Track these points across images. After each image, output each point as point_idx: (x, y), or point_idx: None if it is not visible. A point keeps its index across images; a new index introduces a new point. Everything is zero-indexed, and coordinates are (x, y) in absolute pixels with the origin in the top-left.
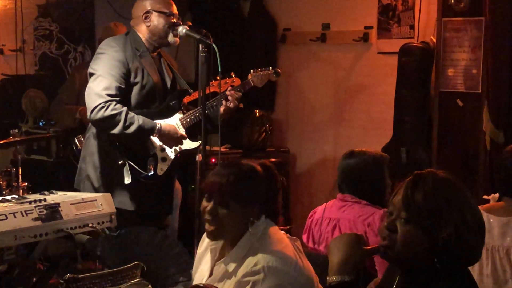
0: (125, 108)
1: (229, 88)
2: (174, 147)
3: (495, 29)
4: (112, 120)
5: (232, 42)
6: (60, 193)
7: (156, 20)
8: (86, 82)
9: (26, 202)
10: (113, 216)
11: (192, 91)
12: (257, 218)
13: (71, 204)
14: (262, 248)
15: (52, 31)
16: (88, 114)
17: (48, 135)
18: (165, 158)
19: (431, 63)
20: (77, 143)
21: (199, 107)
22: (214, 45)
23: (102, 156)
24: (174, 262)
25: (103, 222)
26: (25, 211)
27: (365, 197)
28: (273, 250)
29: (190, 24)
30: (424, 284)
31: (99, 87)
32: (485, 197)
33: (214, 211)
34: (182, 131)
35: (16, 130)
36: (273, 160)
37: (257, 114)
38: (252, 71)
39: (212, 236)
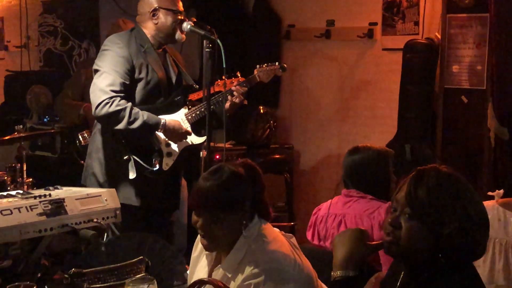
0: (129, 104)
1: (235, 83)
2: (179, 142)
3: (500, 26)
4: (116, 116)
5: (236, 39)
6: (65, 188)
7: (164, 17)
8: (91, 78)
9: (31, 197)
10: (117, 212)
11: (197, 86)
12: (250, 219)
13: (76, 199)
14: (259, 249)
15: (57, 27)
16: (93, 110)
17: (52, 131)
18: (170, 153)
19: (435, 60)
20: (81, 139)
21: (204, 102)
22: (218, 41)
23: (108, 151)
24: (168, 266)
25: (107, 217)
26: (30, 206)
27: (370, 192)
28: (271, 250)
29: (195, 20)
30: (429, 280)
31: (104, 83)
32: (490, 193)
33: (205, 226)
34: (187, 126)
35: (21, 126)
36: (277, 156)
37: (262, 111)
38: (258, 66)
39: (209, 249)
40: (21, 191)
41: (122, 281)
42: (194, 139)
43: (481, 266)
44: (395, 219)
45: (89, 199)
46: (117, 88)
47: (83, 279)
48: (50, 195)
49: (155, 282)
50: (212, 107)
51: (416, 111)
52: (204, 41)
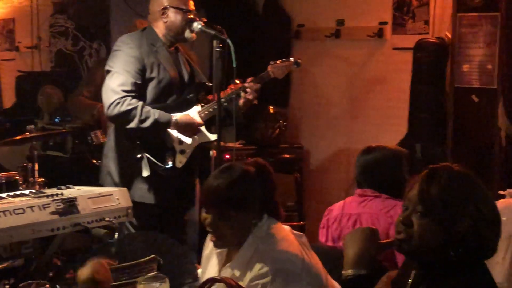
0: (140, 103)
1: (248, 80)
2: (193, 138)
3: (510, 25)
4: (128, 115)
5: (246, 39)
6: (77, 187)
7: (173, 16)
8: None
9: (44, 196)
10: (129, 211)
11: (210, 84)
12: (259, 218)
13: (88, 198)
14: (268, 249)
15: (68, 28)
16: (105, 110)
17: (64, 131)
18: (183, 151)
19: (446, 59)
20: (93, 138)
21: (216, 100)
22: (229, 40)
23: (121, 150)
24: (179, 264)
25: (119, 216)
26: (42, 205)
27: (384, 191)
28: (278, 250)
29: (205, 20)
30: (441, 278)
31: (115, 84)
32: (501, 192)
33: (214, 224)
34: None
35: (32, 126)
36: (287, 156)
37: (271, 111)
38: (272, 62)
39: (218, 246)
40: (33, 190)
41: (134, 279)
42: (208, 137)
43: (500, 263)
44: (407, 217)
45: (101, 198)
46: (128, 88)
47: None
48: (62, 194)
49: (167, 280)
50: (225, 103)
51: (427, 111)
52: (214, 41)
